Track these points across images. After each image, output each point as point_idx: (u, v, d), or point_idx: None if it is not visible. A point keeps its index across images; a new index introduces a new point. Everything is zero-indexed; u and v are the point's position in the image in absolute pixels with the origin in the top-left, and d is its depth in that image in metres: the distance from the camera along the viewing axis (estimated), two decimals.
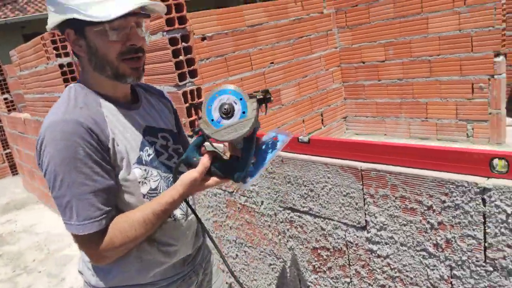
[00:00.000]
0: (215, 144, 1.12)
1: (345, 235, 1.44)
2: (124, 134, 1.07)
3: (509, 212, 0.98)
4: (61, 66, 3.14)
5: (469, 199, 1.05)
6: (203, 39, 4.00)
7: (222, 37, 4.17)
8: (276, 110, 4.80)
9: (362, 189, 1.32)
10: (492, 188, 0.99)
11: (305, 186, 1.52)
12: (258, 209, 1.80)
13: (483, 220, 1.04)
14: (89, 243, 0.99)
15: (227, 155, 1.08)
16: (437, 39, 4.57)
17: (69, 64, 3.10)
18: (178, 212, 1.17)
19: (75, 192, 0.96)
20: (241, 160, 1.03)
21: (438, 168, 1.12)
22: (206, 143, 1.07)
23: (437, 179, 1.10)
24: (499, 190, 0.98)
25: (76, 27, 1.01)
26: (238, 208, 1.92)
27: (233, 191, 1.91)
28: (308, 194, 1.52)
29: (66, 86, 3.08)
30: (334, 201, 1.43)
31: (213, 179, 1.05)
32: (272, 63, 4.72)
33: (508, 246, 1.00)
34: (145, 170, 1.09)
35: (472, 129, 4.63)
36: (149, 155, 1.12)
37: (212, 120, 0.99)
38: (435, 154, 1.12)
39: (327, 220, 1.48)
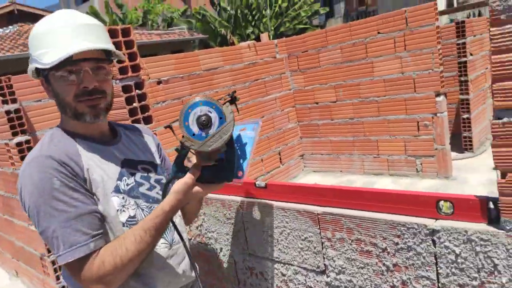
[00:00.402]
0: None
1: (305, 280, 1.42)
2: (100, 166, 1.10)
3: (457, 252, 1.02)
4: (7, 112, 2.99)
5: (420, 240, 1.08)
6: (159, 82, 4.01)
7: (178, 80, 4.20)
8: None
9: (320, 233, 1.33)
10: (441, 229, 1.03)
11: (263, 231, 1.51)
12: (217, 256, 1.75)
13: (435, 261, 1.07)
14: (80, 269, 0.98)
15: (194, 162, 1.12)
16: (382, 82, 4.87)
17: (17, 111, 2.96)
18: (159, 241, 1.17)
19: (59, 220, 0.97)
20: (228, 161, 1.07)
21: (389, 210, 1.15)
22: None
23: (389, 221, 1.14)
24: (447, 231, 1.02)
25: (44, 75, 1.10)
26: (196, 255, 1.86)
27: (191, 238, 1.86)
28: (266, 239, 1.51)
29: (12, 133, 2.92)
30: (293, 245, 1.43)
31: (204, 185, 1.09)
32: None
33: (460, 285, 1.03)
34: (123, 198, 1.11)
35: (421, 164, 4.87)
36: (127, 184, 1.14)
37: (194, 134, 1.01)
38: (385, 197, 1.16)
39: (287, 265, 1.47)
